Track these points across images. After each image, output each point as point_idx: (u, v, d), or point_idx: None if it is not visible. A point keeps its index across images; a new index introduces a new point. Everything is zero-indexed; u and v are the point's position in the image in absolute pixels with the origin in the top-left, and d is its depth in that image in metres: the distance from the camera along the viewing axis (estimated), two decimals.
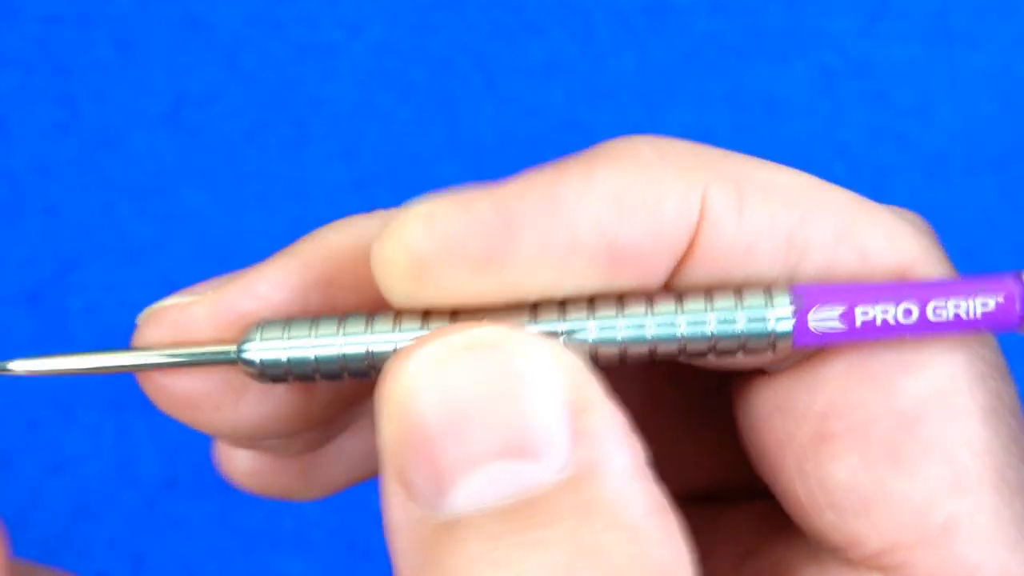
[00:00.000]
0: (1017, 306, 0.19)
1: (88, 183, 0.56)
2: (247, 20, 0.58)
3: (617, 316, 0.19)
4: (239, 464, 0.25)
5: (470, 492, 0.17)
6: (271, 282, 0.22)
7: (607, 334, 0.19)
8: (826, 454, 0.20)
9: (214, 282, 0.22)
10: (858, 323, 0.19)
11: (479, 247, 0.19)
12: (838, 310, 0.19)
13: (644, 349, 0.19)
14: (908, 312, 0.19)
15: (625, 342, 0.19)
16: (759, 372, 0.21)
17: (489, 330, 0.18)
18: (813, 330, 0.19)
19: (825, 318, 0.19)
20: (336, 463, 0.26)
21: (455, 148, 0.57)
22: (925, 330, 0.19)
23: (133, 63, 0.58)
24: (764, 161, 0.22)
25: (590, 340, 0.19)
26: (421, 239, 0.18)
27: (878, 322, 0.19)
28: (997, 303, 0.19)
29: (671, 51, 0.58)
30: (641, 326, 0.19)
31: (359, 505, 0.55)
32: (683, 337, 0.19)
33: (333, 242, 0.23)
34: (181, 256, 0.55)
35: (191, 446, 0.55)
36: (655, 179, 0.19)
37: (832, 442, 0.20)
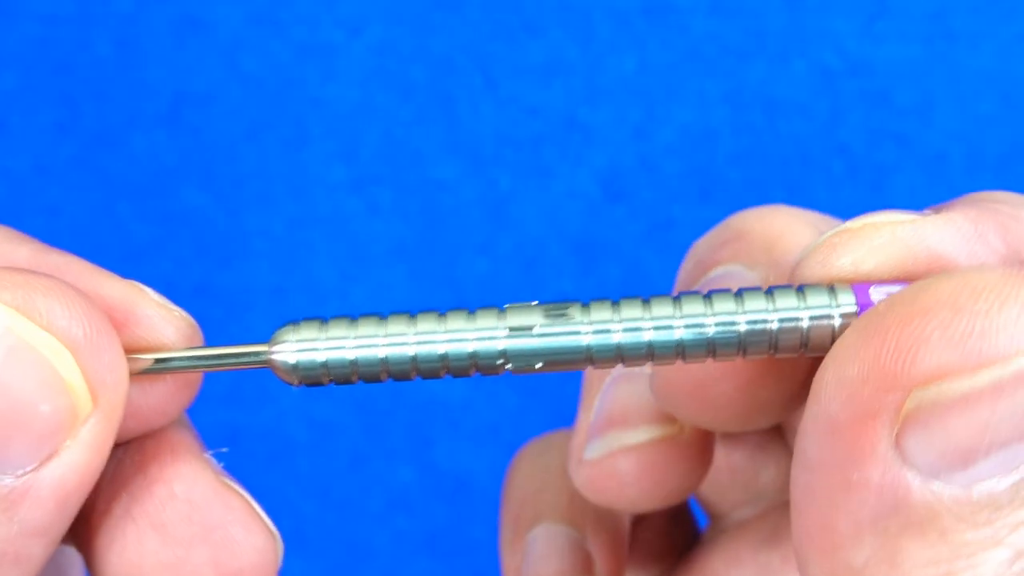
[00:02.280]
0: None
1: (88, 183, 0.56)
2: (247, 20, 0.58)
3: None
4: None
5: (989, 471, 0.17)
6: None
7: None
8: None
9: None
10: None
11: None
12: (898, 286, 0.19)
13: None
14: None
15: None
16: None
17: None
18: (876, 302, 0.19)
19: (888, 291, 0.19)
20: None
21: (455, 148, 0.57)
22: None
23: (133, 63, 0.58)
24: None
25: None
26: None
27: None
28: None
29: (671, 51, 0.58)
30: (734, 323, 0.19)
31: (359, 505, 0.55)
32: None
33: None
34: (181, 256, 0.55)
35: None
36: None
37: None
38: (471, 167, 0.57)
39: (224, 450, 0.22)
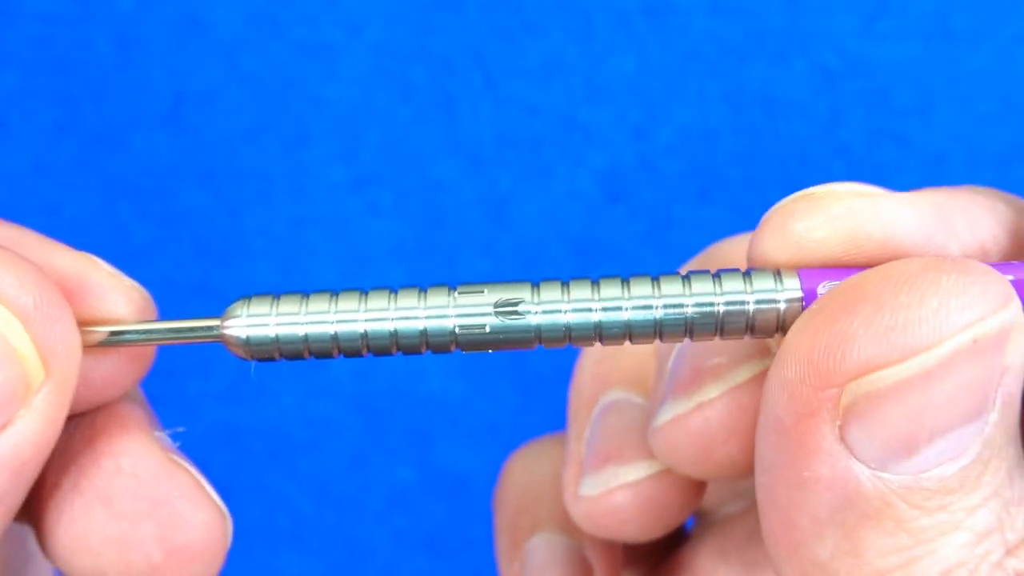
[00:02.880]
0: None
1: (88, 183, 0.56)
2: (247, 20, 0.58)
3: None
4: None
5: (935, 458, 0.17)
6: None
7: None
8: None
9: None
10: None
11: None
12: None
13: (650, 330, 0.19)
14: None
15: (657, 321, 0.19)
16: None
17: (991, 327, 0.18)
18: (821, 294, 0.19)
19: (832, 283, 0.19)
20: None
21: (455, 148, 0.57)
22: None
23: (133, 63, 0.58)
24: None
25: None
26: None
27: None
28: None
29: (671, 51, 0.58)
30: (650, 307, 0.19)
31: (358, 505, 0.55)
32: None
33: None
34: (181, 256, 0.55)
35: (189, 447, 0.55)
36: None
37: None
38: (471, 167, 0.57)
39: (180, 429, 0.22)
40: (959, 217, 0.21)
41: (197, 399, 0.55)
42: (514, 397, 0.56)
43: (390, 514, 0.55)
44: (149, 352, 0.21)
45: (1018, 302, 0.18)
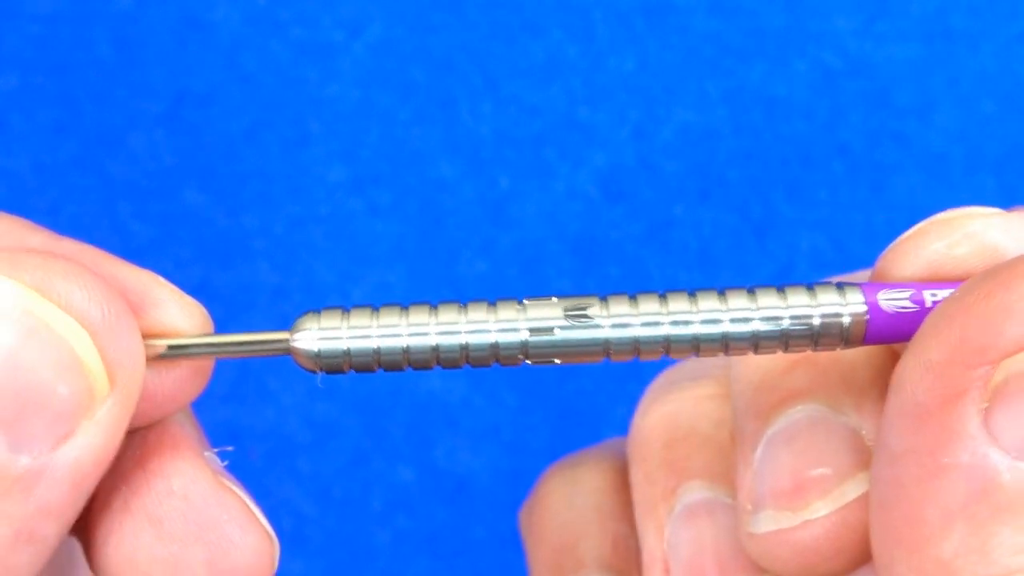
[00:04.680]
0: None
1: (88, 183, 0.56)
2: (247, 20, 0.58)
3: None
4: None
5: None
6: None
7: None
8: None
9: None
10: (928, 303, 0.19)
11: None
12: (907, 292, 0.20)
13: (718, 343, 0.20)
14: None
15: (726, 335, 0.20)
16: None
17: None
18: (885, 309, 0.19)
19: (895, 298, 0.20)
20: None
21: (455, 148, 0.57)
22: None
23: (133, 63, 0.57)
24: None
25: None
26: None
27: None
28: None
29: (671, 51, 0.58)
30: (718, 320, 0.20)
31: (358, 505, 0.55)
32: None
33: None
34: (181, 256, 0.55)
35: None
36: None
37: None
38: (471, 167, 0.57)
39: (229, 448, 0.22)
40: None
41: (198, 399, 0.55)
42: (514, 398, 0.56)
43: (391, 515, 0.55)
44: (208, 368, 0.21)
45: None
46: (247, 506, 0.20)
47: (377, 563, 0.55)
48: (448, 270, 0.56)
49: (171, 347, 0.20)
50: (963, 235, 0.20)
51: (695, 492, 0.25)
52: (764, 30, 0.58)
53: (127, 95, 0.57)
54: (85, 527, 0.20)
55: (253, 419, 0.55)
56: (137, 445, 0.21)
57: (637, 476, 0.26)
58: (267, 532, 0.20)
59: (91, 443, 0.18)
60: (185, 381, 0.21)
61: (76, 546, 0.22)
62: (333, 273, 0.56)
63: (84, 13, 0.58)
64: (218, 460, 0.21)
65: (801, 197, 0.56)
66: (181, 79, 0.57)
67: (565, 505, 0.28)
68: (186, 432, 0.21)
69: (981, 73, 0.57)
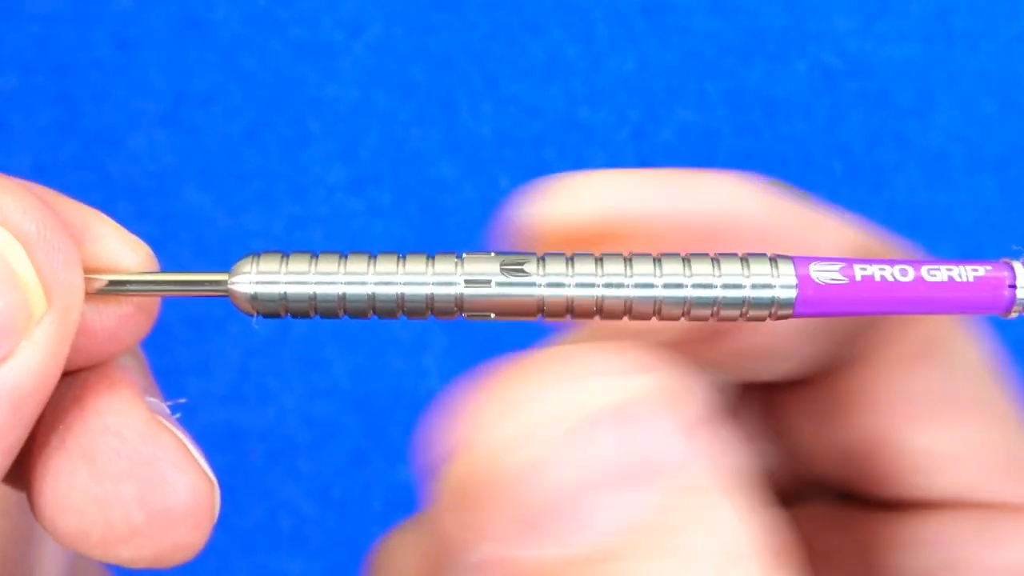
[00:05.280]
0: (1006, 284, 0.20)
1: (88, 183, 0.56)
2: (247, 20, 0.58)
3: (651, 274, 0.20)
4: None
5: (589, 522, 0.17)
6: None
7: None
8: (915, 430, 0.23)
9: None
10: (858, 277, 0.20)
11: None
12: (837, 265, 0.20)
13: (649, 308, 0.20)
14: (904, 271, 0.20)
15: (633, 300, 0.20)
16: (804, 379, 0.24)
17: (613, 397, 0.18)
18: (816, 280, 0.20)
19: (826, 270, 0.20)
20: None
21: (455, 148, 0.57)
22: (922, 290, 0.20)
23: (133, 63, 0.58)
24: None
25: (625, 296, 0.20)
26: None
27: (876, 278, 0.20)
28: (987, 271, 0.20)
29: (671, 51, 0.58)
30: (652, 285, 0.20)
31: (358, 505, 0.55)
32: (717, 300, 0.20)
33: None
34: (181, 256, 0.55)
35: None
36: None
37: (923, 419, 0.22)
38: (471, 167, 0.57)
39: (182, 400, 0.21)
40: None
41: (198, 400, 0.55)
42: None
43: (391, 515, 0.55)
44: (152, 307, 0.21)
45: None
46: (183, 446, 0.20)
47: None
48: None
49: (112, 282, 0.20)
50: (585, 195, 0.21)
51: None
52: (764, 30, 0.58)
53: (127, 95, 0.57)
54: (26, 473, 0.20)
55: (253, 419, 0.55)
56: (78, 385, 0.20)
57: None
58: (204, 473, 0.20)
59: (30, 363, 0.18)
60: (128, 319, 0.20)
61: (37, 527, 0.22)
62: None
63: (84, 13, 0.58)
64: (163, 406, 0.21)
65: None
66: (181, 79, 0.57)
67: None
68: (126, 373, 0.21)
69: (981, 73, 0.58)
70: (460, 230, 0.57)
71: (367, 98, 0.58)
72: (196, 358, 0.54)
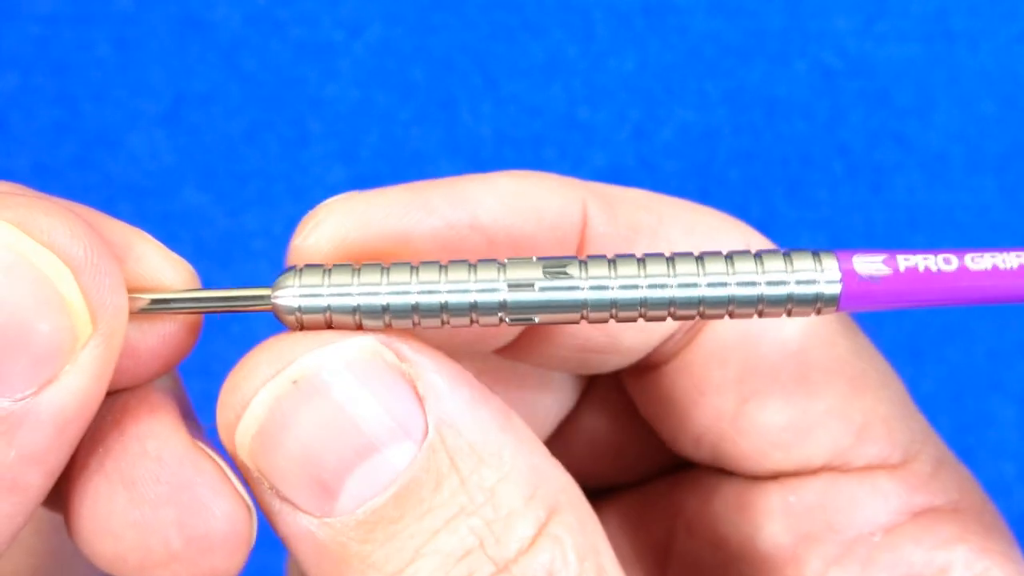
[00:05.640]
0: None
1: (88, 183, 0.56)
2: (247, 20, 0.58)
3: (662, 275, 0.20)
4: None
5: (351, 494, 0.18)
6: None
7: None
8: (754, 408, 0.24)
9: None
10: (901, 268, 0.20)
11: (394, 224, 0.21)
12: (880, 256, 0.20)
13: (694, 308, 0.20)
14: (948, 260, 0.20)
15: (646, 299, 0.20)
16: (647, 368, 0.25)
17: (306, 367, 0.19)
18: (860, 273, 0.20)
19: (870, 262, 0.20)
20: None
21: (455, 148, 0.57)
22: (967, 279, 0.20)
23: (133, 63, 0.58)
24: (611, 185, 0.24)
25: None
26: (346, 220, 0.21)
27: (920, 268, 0.20)
28: None
29: (671, 51, 0.58)
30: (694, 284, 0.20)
31: None
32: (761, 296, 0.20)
33: None
34: (181, 256, 0.55)
35: None
36: (544, 188, 0.22)
37: (755, 398, 0.24)
38: (471, 167, 0.57)
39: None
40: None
41: (198, 400, 0.55)
42: None
43: None
44: (196, 324, 0.21)
45: None
46: (223, 471, 0.20)
47: None
48: None
49: (155, 300, 0.20)
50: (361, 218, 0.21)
51: None
52: (764, 30, 0.58)
53: (127, 95, 0.57)
54: (64, 494, 0.20)
55: None
56: (118, 408, 0.20)
57: None
58: (243, 499, 0.20)
59: (75, 387, 0.18)
60: (170, 338, 0.21)
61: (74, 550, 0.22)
62: None
63: (84, 13, 0.58)
64: (202, 431, 0.21)
65: (801, 197, 0.56)
66: (181, 79, 0.57)
67: None
68: (165, 396, 0.21)
69: (981, 73, 0.57)
70: None
71: (367, 98, 0.58)
72: (197, 359, 0.54)
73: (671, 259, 0.20)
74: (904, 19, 0.58)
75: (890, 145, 0.57)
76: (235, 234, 0.56)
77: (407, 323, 0.20)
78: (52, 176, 0.57)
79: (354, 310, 0.19)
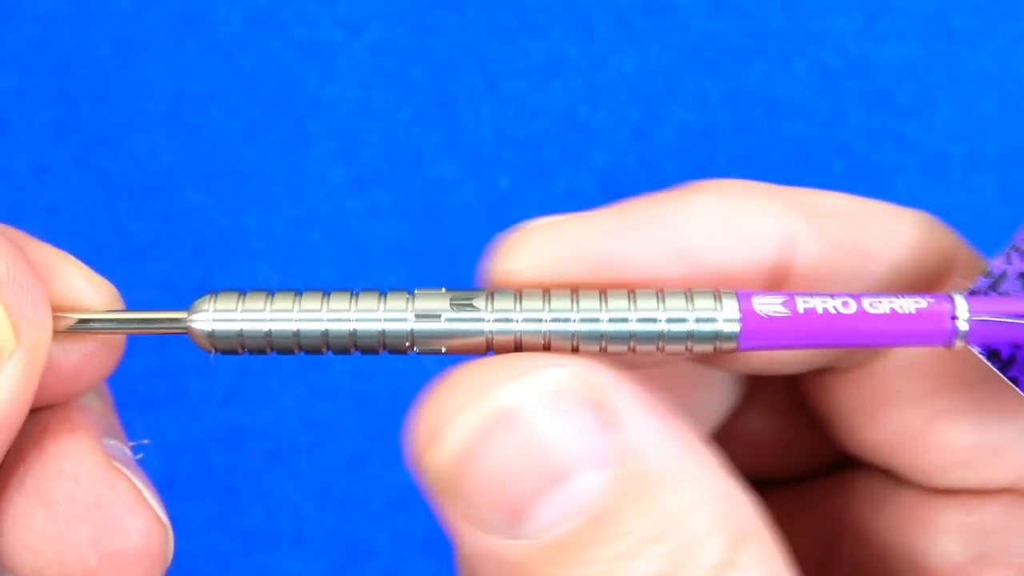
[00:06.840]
0: (948, 317, 0.20)
1: (88, 183, 0.56)
2: (247, 20, 0.58)
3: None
4: None
5: (540, 520, 0.19)
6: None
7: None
8: (943, 424, 0.23)
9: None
10: (800, 309, 0.20)
11: (600, 251, 0.21)
12: (779, 299, 0.20)
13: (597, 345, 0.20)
14: (846, 304, 0.20)
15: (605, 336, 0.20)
16: (829, 371, 0.24)
17: (503, 398, 0.19)
18: (760, 313, 0.20)
19: (769, 303, 0.20)
20: None
21: (455, 148, 0.57)
22: (864, 322, 0.20)
23: (133, 63, 0.58)
24: (816, 190, 0.24)
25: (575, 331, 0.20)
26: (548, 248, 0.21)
27: (819, 310, 0.20)
28: (929, 303, 0.20)
29: (671, 51, 0.58)
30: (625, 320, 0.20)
31: (358, 505, 0.55)
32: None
33: None
34: (181, 256, 0.55)
35: (189, 446, 0.55)
36: (743, 204, 0.22)
37: (946, 415, 0.23)
38: (471, 167, 0.57)
39: (144, 442, 0.22)
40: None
41: (198, 400, 0.55)
42: None
43: (390, 515, 0.55)
44: (117, 345, 0.21)
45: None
46: (137, 490, 0.21)
47: (377, 563, 0.55)
48: (448, 270, 0.57)
49: (81, 320, 0.20)
50: (535, 251, 0.21)
51: None
52: (764, 30, 0.58)
53: (127, 95, 0.57)
54: None
55: (253, 419, 0.55)
56: (40, 426, 0.21)
57: None
58: (158, 517, 0.21)
59: None
60: (93, 356, 0.21)
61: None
62: (333, 273, 0.56)
63: (84, 13, 0.58)
64: (124, 448, 0.21)
65: None
66: (181, 79, 0.57)
67: None
68: (85, 416, 0.21)
69: (981, 73, 0.58)
70: (460, 230, 0.57)
71: (367, 98, 0.58)
72: (196, 359, 0.54)
73: (575, 295, 0.20)
74: (904, 19, 0.58)
75: (890, 145, 0.57)
76: (235, 234, 0.56)
77: (317, 350, 0.20)
78: (52, 176, 0.57)
79: (266, 335, 0.20)
